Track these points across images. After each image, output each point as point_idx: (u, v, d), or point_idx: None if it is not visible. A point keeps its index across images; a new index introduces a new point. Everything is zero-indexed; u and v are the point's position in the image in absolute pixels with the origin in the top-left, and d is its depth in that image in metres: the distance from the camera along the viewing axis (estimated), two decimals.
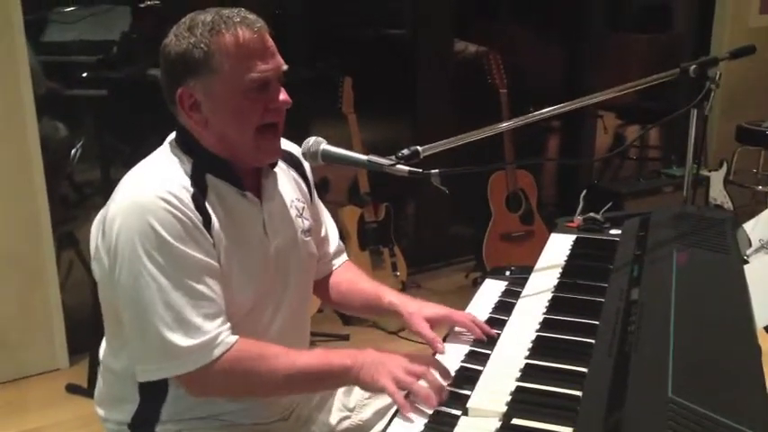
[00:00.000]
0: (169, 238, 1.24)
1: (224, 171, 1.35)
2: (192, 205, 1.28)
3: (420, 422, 1.18)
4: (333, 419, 1.55)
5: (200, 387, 1.30)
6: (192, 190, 1.29)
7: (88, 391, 2.75)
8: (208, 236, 1.29)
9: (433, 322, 1.49)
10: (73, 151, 3.46)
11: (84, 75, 3.45)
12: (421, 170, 1.35)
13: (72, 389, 2.90)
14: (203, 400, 1.36)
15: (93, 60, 3.52)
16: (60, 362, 3.09)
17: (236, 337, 1.29)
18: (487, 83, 3.57)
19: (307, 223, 1.51)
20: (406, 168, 1.36)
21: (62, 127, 3.42)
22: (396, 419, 1.20)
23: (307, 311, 1.58)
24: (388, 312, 1.55)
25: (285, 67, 1.34)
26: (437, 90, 3.92)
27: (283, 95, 1.34)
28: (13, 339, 3.00)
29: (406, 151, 1.41)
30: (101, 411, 1.46)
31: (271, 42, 1.32)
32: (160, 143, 1.40)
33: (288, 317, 1.45)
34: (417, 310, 1.50)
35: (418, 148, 1.42)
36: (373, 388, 1.28)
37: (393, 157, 1.39)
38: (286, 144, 1.49)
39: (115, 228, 1.26)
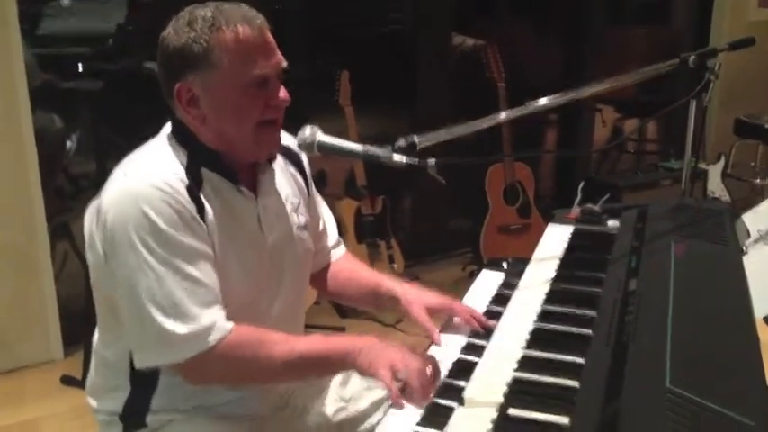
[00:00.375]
0: (164, 225, 1.23)
1: (220, 166, 1.34)
2: (186, 194, 1.27)
3: (416, 413, 1.17)
4: (328, 410, 1.54)
5: (197, 375, 1.29)
6: (186, 180, 1.28)
7: (82, 383, 2.74)
8: (202, 224, 1.28)
9: (433, 311, 1.48)
10: (68, 143, 3.45)
11: (80, 67, 3.44)
12: (417, 160, 1.34)
13: (67, 380, 2.90)
14: (195, 389, 1.35)
15: (89, 52, 3.51)
16: (55, 353, 3.09)
17: (232, 323, 1.28)
18: (486, 77, 3.56)
19: (303, 219, 1.50)
20: (403, 159, 1.35)
21: (57, 119, 3.40)
22: (392, 410, 1.19)
23: (301, 306, 1.57)
24: (387, 299, 1.54)
25: (285, 64, 1.33)
26: (435, 84, 3.91)
27: (283, 93, 1.33)
28: (7, 331, 2.99)
29: (402, 142, 1.40)
30: (92, 402, 1.45)
31: (271, 39, 1.31)
32: (155, 135, 1.39)
33: (282, 311, 1.44)
34: (416, 297, 1.50)
35: (415, 138, 1.41)
36: (370, 374, 1.27)
37: (390, 148, 1.38)
38: (284, 137, 1.47)
39: (110, 216, 1.25)
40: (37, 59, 3.17)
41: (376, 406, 1.51)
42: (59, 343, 3.10)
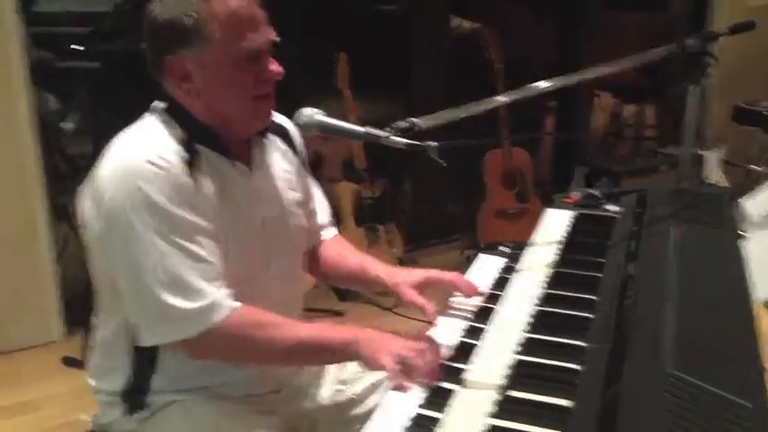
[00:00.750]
0: (160, 200, 1.22)
1: (213, 140, 1.33)
2: (181, 169, 1.26)
3: (417, 396, 1.17)
4: (326, 392, 1.55)
5: (199, 351, 1.29)
6: (181, 155, 1.28)
7: (83, 364, 2.75)
8: (200, 199, 1.28)
9: (421, 287, 1.47)
10: (66, 123, 3.43)
11: (77, 47, 3.42)
12: (418, 142, 1.34)
13: (67, 361, 2.90)
14: (194, 370, 1.35)
15: (86, 32, 3.48)
16: (55, 334, 3.09)
17: (238, 303, 1.28)
18: (483, 59, 3.54)
19: (297, 195, 1.50)
20: (404, 140, 1.34)
21: (54, 99, 3.39)
22: (392, 392, 1.19)
23: (297, 285, 1.56)
24: (375, 284, 1.54)
25: (276, 37, 1.32)
26: (432, 67, 3.90)
27: (275, 66, 1.32)
28: (7, 312, 3.00)
29: (403, 123, 1.39)
30: (93, 382, 1.45)
31: (261, 11, 1.30)
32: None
33: (278, 289, 1.44)
34: (403, 279, 1.48)
35: (415, 120, 1.41)
36: (373, 365, 1.27)
37: (390, 129, 1.37)
38: (277, 116, 1.47)
39: (105, 194, 1.25)
40: (33, 38, 3.15)
41: (373, 388, 1.52)
42: (60, 324, 3.10)
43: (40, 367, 2.91)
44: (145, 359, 1.36)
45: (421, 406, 1.15)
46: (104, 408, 1.43)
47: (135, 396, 1.38)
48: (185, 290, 1.23)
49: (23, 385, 2.80)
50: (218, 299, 1.25)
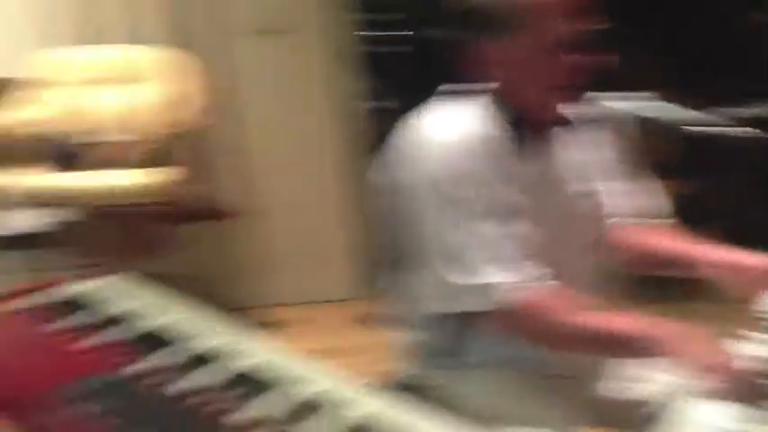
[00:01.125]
0: (457, 179, 1.25)
1: (516, 123, 1.33)
2: (483, 150, 1.28)
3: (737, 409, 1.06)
4: (614, 387, 1.47)
5: (498, 325, 1.30)
6: (484, 136, 1.30)
7: (383, 321, 2.91)
8: (502, 181, 1.28)
9: (752, 274, 1.38)
10: (374, 102, 3.65)
11: (393, 32, 3.62)
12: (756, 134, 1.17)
13: (364, 318, 3.11)
14: (498, 340, 1.35)
15: (401, 18, 3.66)
16: (358, 291, 3.39)
17: (536, 284, 1.26)
18: None
19: (604, 185, 1.46)
20: (741, 129, 1.18)
21: (365, 80, 3.60)
22: (701, 402, 1.09)
23: (593, 275, 1.48)
24: (688, 267, 1.46)
25: (598, 26, 1.27)
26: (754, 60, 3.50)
27: (590, 57, 1.27)
28: (307, 268, 3.39)
29: (724, 112, 1.23)
30: (401, 337, 1.51)
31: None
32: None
33: (569, 278, 1.36)
34: (731, 261, 1.40)
35: (743, 109, 1.24)
36: (676, 364, 1.17)
37: (717, 120, 1.22)
38: (600, 101, 1.44)
39: (404, 166, 1.31)
40: (354, 24, 3.38)
41: (666, 392, 1.38)
42: (352, 282, 3.42)
43: (335, 320, 3.19)
44: (450, 322, 1.38)
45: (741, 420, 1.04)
46: (412, 362, 1.48)
47: (440, 354, 1.42)
48: (463, 265, 1.25)
49: (323, 335, 3.04)
50: (500, 281, 1.25)
